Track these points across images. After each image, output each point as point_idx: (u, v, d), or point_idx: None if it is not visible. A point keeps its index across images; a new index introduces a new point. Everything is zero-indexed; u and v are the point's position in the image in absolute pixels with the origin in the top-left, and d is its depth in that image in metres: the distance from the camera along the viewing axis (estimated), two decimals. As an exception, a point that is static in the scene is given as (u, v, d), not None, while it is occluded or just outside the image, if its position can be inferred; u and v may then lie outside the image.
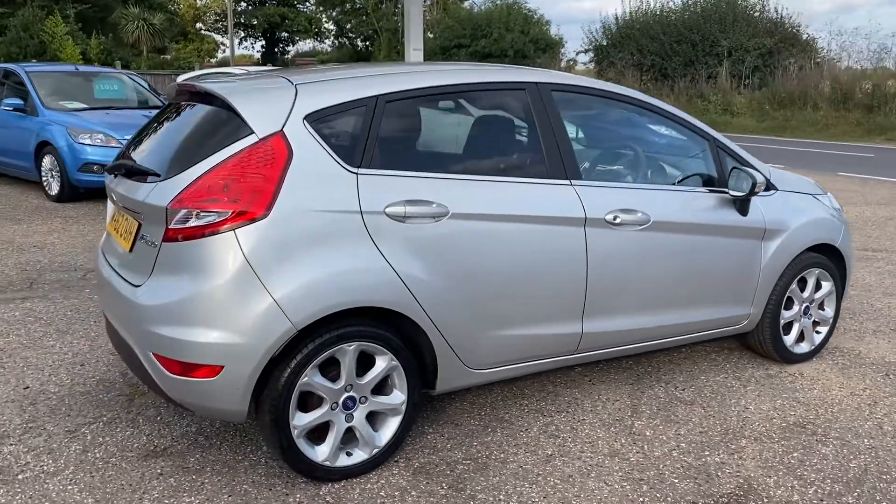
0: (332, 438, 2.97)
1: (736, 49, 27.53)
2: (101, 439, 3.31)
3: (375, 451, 3.05)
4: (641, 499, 2.92)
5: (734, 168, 3.79)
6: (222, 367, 2.73)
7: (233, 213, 2.71)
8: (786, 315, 4.23)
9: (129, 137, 3.94)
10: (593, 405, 3.73)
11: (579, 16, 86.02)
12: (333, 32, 48.59)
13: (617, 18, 31.75)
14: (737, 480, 3.06)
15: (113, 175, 3.26)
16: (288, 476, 3.02)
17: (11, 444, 3.24)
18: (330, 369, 2.92)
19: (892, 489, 3.02)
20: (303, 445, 2.92)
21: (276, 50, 50.16)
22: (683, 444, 3.35)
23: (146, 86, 11.29)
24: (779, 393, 3.93)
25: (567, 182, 3.37)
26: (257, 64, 40.31)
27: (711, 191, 3.80)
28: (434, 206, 3.01)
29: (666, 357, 4.37)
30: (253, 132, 2.80)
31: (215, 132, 2.92)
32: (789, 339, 4.28)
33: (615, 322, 3.57)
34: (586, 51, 34.62)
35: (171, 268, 2.80)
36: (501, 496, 2.92)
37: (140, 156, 3.21)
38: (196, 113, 3.15)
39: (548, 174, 3.33)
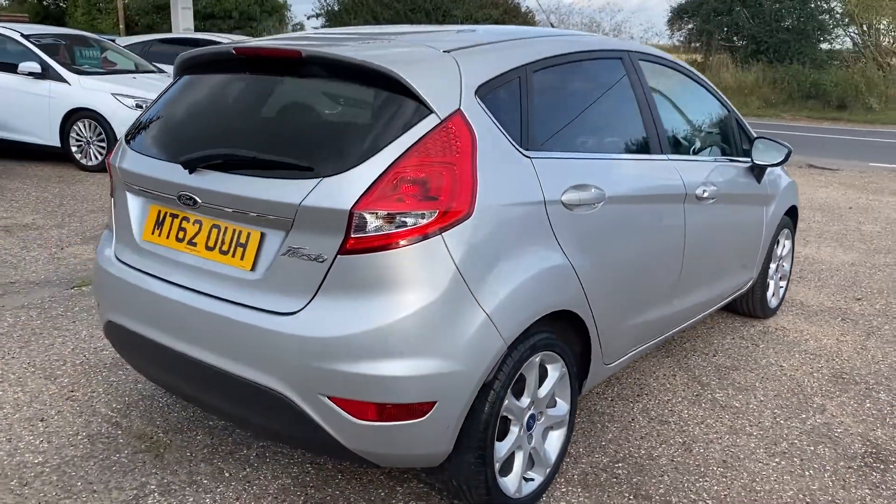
0: (518, 465, 2.57)
1: (467, 19, 28.79)
2: (182, 516, 2.54)
3: (548, 470, 2.71)
4: (804, 471, 2.93)
5: (760, 138, 3.92)
6: (434, 403, 2.21)
7: (438, 213, 2.17)
8: (770, 273, 4.52)
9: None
10: (660, 384, 3.68)
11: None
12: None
13: (350, -17, 31.46)
14: (858, 439, 3.21)
15: (187, 168, 2.43)
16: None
17: None
18: (516, 387, 2.51)
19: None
20: (501, 481, 2.48)
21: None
22: (777, 411, 3.43)
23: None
24: (788, 348, 4.20)
25: (665, 157, 3.23)
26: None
27: (746, 162, 3.89)
28: (594, 190, 2.70)
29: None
30: (432, 111, 2.26)
31: (380, 113, 2.30)
32: (769, 296, 4.59)
33: (691, 297, 3.53)
34: (317, 15, 33.89)
35: (350, 286, 2.18)
36: (691, 494, 2.75)
37: (229, 143, 2.45)
38: (330, 89, 2.47)
39: (651, 149, 3.17)
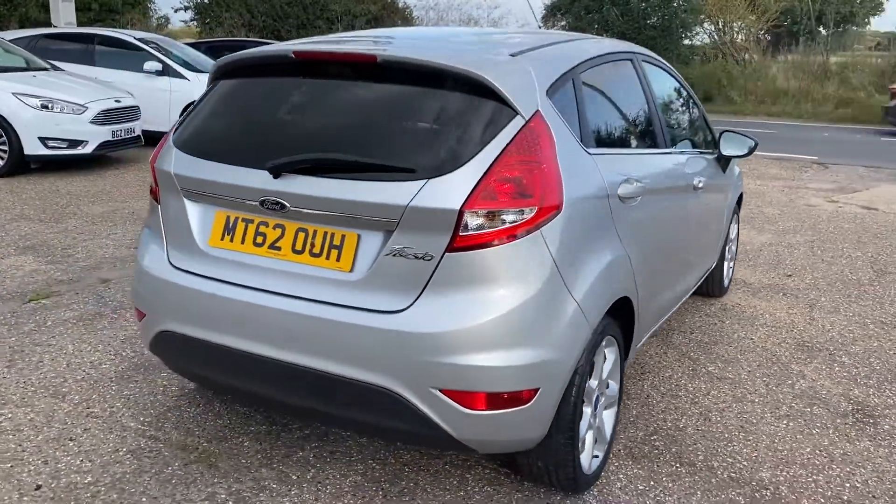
0: (589, 444, 2.74)
1: (345, 14, 28.63)
2: None
3: (606, 447, 2.89)
4: (811, 430, 3.27)
5: (726, 131, 4.27)
6: (537, 389, 2.34)
7: (537, 209, 2.30)
8: (724, 254, 4.92)
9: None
10: (657, 362, 3.96)
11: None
12: None
13: (220, -25, 30.38)
14: (842, 399, 3.60)
15: (272, 174, 2.41)
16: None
17: None
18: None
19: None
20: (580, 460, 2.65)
21: None
22: (766, 379, 3.79)
23: None
24: (751, 322, 4.61)
25: (676, 151, 3.50)
26: None
27: (714, 154, 4.23)
28: (636, 184, 2.91)
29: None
30: (518, 113, 2.39)
31: (471, 115, 2.38)
32: (724, 276, 5.00)
33: (686, 279, 3.83)
34: (185, 8, 32.52)
35: (456, 283, 2.26)
36: (727, 458, 3.02)
37: (313, 147, 2.46)
38: (408, 92, 2.51)
39: (662, 144, 3.43)
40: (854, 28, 37.60)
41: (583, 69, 2.85)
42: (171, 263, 2.68)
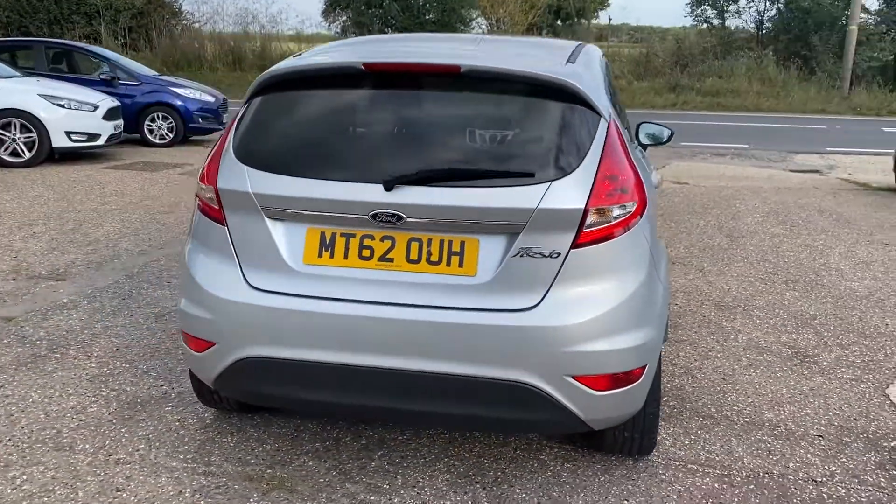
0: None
1: (107, 8, 26.48)
2: None
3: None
4: (776, 374, 3.84)
5: (643, 122, 4.76)
6: (646, 366, 2.60)
7: (636, 203, 2.55)
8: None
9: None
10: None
11: None
12: None
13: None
14: (780, 346, 4.23)
15: (385, 187, 2.41)
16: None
17: None
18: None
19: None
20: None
21: None
22: (715, 337, 4.33)
23: None
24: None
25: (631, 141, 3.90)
26: None
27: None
28: (655, 174, 3.24)
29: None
30: (601, 116, 2.61)
31: (564, 119, 2.55)
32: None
33: None
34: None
35: (580, 276, 2.45)
36: (733, 406, 3.47)
37: (420, 158, 2.50)
38: (495, 100, 2.60)
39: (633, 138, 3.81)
40: (583, 21, 41.50)
41: (606, 71, 3.12)
42: (250, 286, 2.57)
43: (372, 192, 2.43)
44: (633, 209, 2.52)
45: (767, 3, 25.16)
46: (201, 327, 2.67)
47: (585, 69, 2.81)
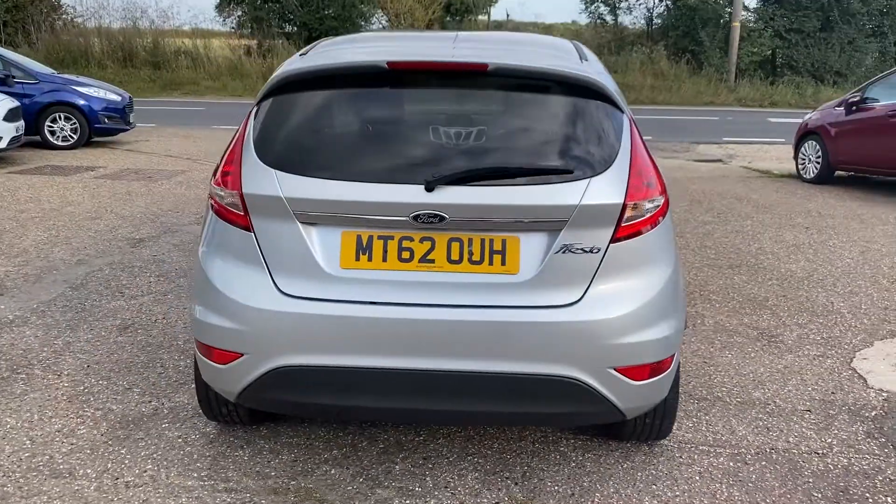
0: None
1: (-6, -2, 24.73)
2: None
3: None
4: (746, 353, 4.04)
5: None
6: (674, 354, 2.69)
7: (663, 198, 2.62)
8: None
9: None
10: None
11: None
12: None
13: None
14: (746, 328, 4.45)
15: (426, 187, 2.38)
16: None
17: None
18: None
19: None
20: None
21: None
22: (682, 322, 4.51)
23: None
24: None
25: None
26: None
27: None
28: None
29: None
30: (623, 112, 2.68)
31: (595, 117, 2.59)
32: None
33: None
34: None
35: (619, 269, 2.50)
36: (720, 387, 3.63)
37: (457, 158, 2.48)
38: (521, 98, 2.61)
39: None
40: (471, 18, 41.96)
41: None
42: (282, 293, 2.48)
43: (413, 194, 2.39)
44: (660, 203, 2.59)
45: (656, 1, 26.26)
46: (225, 338, 2.55)
47: (601, 67, 2.87)
